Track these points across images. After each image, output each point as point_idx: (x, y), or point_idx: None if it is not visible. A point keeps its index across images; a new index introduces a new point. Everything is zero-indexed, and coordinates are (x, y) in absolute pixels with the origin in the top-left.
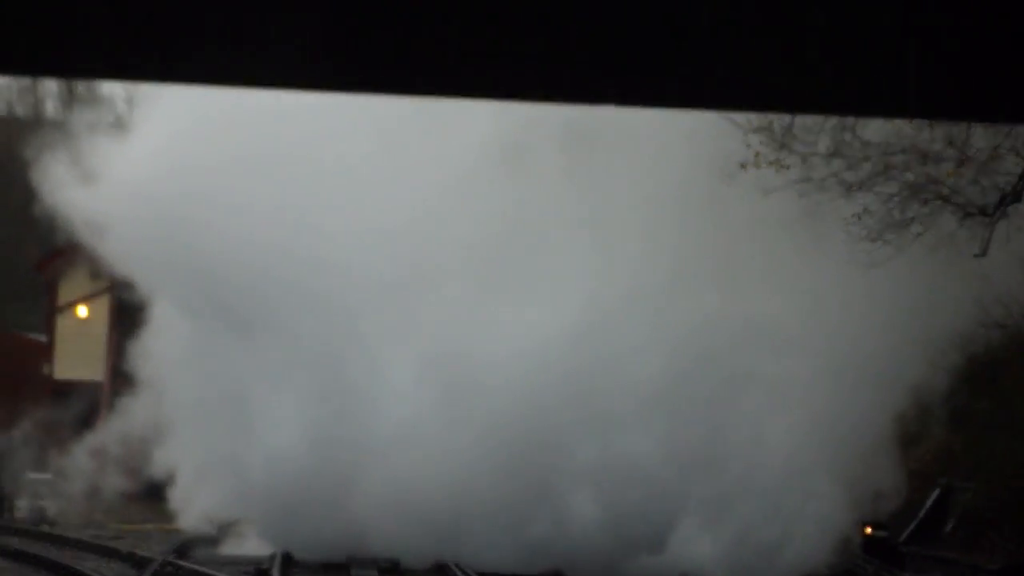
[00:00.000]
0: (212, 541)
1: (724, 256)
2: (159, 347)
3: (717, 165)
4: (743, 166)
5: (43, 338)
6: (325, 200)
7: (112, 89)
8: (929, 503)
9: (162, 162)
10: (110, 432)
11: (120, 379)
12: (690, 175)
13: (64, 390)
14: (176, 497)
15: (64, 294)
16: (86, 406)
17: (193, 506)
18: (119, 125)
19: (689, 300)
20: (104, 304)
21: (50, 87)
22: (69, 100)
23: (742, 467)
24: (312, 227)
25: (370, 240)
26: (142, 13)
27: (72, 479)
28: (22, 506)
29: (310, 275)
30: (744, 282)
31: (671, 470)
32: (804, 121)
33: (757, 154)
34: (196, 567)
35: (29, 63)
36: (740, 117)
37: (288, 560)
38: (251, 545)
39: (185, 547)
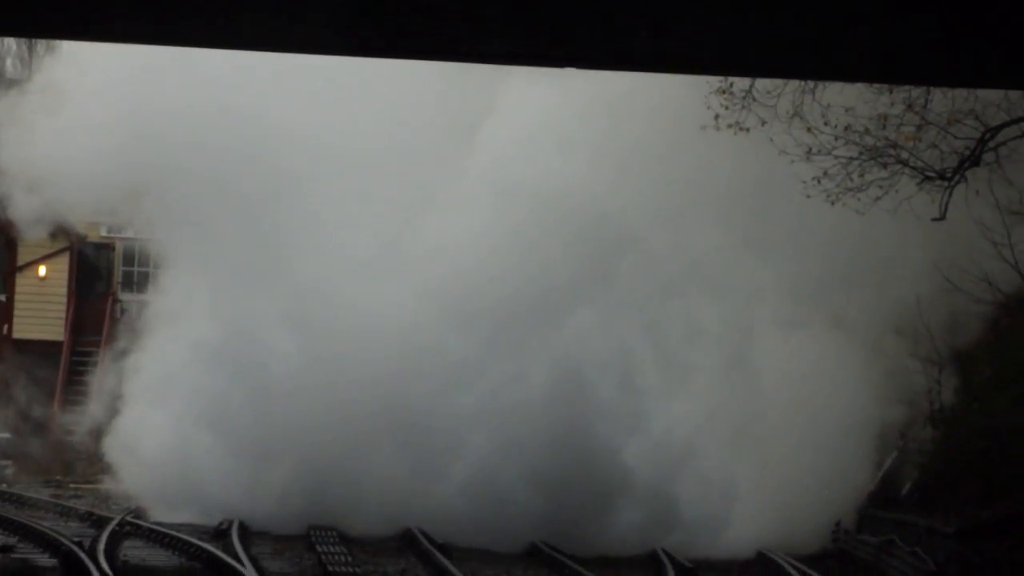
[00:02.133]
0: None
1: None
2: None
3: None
4: (703, 128)
5: (2, 297)
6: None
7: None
8: (886, 466)
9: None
10: (69, 391)
11: (79, 339)
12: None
13: (23, 349)
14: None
15: (24, 253)
16: (45, 365)
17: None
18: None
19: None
20: (63, 263)
21: (9, 44)
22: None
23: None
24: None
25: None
26: None
27: (30, 438)
28: None
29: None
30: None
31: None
32: (764, 84)
33: (717, 116)
34: (154, 527)
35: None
36: (700, 79)
37: (245, 526)
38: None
39: (143, 507)
